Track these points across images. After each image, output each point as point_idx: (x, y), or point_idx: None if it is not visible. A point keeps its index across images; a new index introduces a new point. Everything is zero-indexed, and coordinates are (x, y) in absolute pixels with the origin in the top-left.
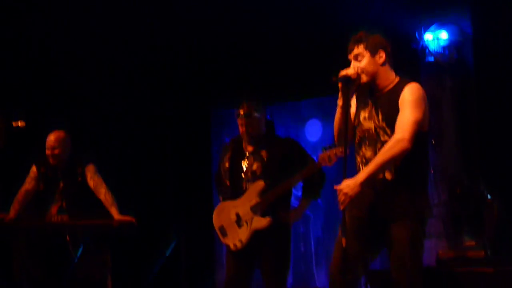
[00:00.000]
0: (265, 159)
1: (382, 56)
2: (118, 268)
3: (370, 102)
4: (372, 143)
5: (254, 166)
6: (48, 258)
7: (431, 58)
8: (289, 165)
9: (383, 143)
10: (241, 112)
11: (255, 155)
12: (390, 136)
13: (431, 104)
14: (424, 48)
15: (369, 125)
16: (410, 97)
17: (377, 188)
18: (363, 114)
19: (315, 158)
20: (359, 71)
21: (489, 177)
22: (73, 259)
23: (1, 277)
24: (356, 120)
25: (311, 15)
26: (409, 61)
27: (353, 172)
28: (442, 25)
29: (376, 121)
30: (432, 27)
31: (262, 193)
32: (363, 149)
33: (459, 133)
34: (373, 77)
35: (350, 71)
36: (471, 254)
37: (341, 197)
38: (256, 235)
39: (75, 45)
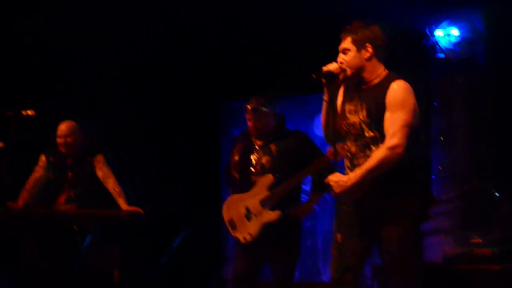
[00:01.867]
0: (274, 152)
1: (368, 51)
2: (125, 260)
3: (356, 96)
4: (356, 138)
5: (263, 160)
6: (55, 248)
7: (441, 55)
8: (298, 159)
9: (367, 139)
10: (249, 107)
11: (264, 148)
12: (374, 132)
13: (441, 101)
14: (435, 44)
15: (354, 119)
16: (397, 96)
17: (364, 185)
18: (349, 107)
19: (324, 152)
20: (343, 66)
21: (498, 175)
22: (80, 249)
23: (9, 266)
24: (342, 113)
25: (318, 8)
26: (419, 57)
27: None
28: (453, 21)
29: (361, 116)
30: (443, 24)
31: (271, 187)
32: (348, 143)
33: (469, 131)
34: (358, 72)
35: (332, 66)
36: (478, 251)
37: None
38: (265, 228)
39: (85, 39)
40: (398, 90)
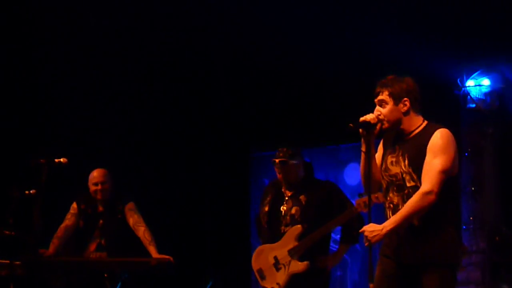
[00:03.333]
0: (303, 203)
1: (406, 105)
2: None
3: (397, 147)
4: (399, 188)
5: (293, 210)
6: None
7: (472, 105)
8: (327, 210)
9: (409, 188)
10: (277, 161)
11: (293, 199)
12: (416, 182)
13: (472, 151)
14: (466, 94)
15: (395, 170)
16: (439, 143)
17: (403, 234)
18: (390, 159)
19: (353, 202)
20: (381, 117)
21: None
22: None
23: None
24: (383, 165)
25: (350, 60)
26: (450, 107)
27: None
28: (484, 72)
29: (403, 166)
30: (475, 74)
31: (300, 237)
32: (390, 194)
33: (500, 181)
34: (396, 125)
35: (369, 116)
36: None
37: (364, 239)
38: (294, 279)
39: (105, 86)
40: (441, 137)
